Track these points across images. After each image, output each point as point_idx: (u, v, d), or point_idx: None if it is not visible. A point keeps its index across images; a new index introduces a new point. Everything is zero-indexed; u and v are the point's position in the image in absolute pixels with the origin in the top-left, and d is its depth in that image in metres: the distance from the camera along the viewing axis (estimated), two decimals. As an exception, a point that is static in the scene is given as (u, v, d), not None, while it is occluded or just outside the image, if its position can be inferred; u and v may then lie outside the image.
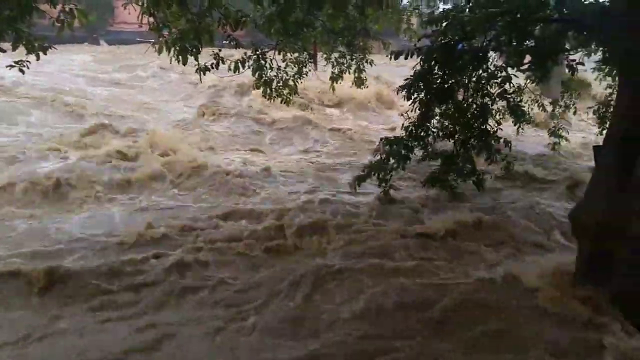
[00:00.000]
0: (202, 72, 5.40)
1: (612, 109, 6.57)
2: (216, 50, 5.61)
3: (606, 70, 7.72)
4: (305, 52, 7.74)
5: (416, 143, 6.64)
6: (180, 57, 4.95)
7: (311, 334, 4.07)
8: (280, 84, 7.50)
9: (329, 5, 6.39)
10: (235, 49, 5.46)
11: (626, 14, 4.40)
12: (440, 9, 7.76)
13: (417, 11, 8.74)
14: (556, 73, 7.16)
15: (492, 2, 5.72)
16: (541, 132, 10.63)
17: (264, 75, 7.03)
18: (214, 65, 5.47)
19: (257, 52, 6.68)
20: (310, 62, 8.10)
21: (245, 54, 6.44)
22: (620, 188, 4.38)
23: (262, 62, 6.75)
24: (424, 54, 6.05)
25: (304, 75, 7.87)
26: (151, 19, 4.84)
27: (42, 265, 4.94)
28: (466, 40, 6.06)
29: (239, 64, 6.16)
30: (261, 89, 7.26)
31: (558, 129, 8.84)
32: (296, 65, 7.72)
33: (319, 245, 5.80)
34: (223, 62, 5.55)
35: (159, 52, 4.96)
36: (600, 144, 5.18)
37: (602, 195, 4.57)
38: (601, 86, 8.66)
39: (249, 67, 6.50)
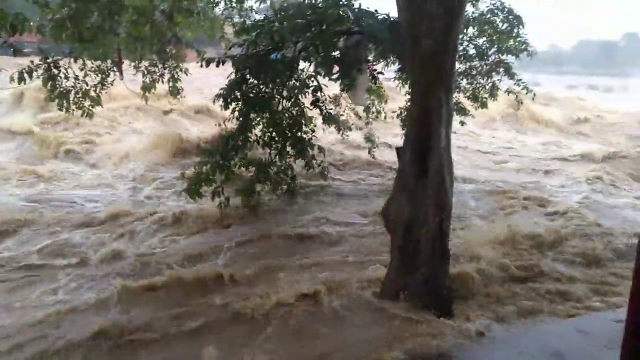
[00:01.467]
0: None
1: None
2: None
3: (403, 77, 8.59)
4: (109, 60, 7.06)
5: (234, 153, 6.51)
6: None
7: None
8: (80, 95, 6.70)
9: (133, 11, 5.92)
10: (14, 56, 4.67)
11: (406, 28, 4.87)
12: (253, 19, 7.82)
13: (229, 20, 8.64)
14: (362, 81, 7.74)
15: (299, 15, 5.91)
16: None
17: (58, 86, 6.19)
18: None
19: (48, 61, 5.86)
20: (114, 71, 7.42)
21: (32, 62, 5.60)
22: (418, 185, 4.82)
23: (55, 71, 5.94)
24: (236, 62, 5.99)
25: (108, 85, 7.16)
26: None
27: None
28: (277, 50, 6.17)
29: (25, 74, 5.31)
30: (56, 101, 6.39)
31: (371, 134, 9.59)
32: (98, 75, 6.99)
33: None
34: (-4, 72, 4.72)
35: None
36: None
37: (405, 192, 4.97)
38: (402, 92, 9.57)
39: (37, 77, 5.67)
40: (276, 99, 6.63)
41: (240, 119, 6.47)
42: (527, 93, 8.37)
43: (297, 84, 6.58)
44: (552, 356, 3.34)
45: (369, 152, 9.83)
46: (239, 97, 6.23)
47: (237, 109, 6.33)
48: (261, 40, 6.00)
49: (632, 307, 1.77)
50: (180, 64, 8.46)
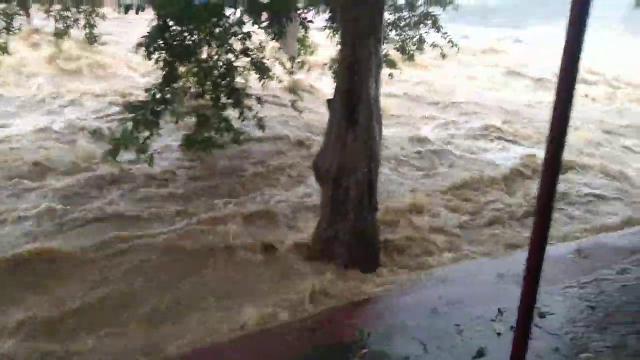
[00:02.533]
0: None
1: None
2: None
3: (334, 27, 8.45)
4: (15, 3, 6.39)
5: (163, 106, 6.22)
6: None
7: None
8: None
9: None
10: None
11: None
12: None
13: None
14: (292, 30, 7.55)
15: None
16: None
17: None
18: None
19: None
20: (21, 14, 6.73)
21: None
22: (348, 136, 4.88)
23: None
24: (157, 8, 5.64)
25: (16, 31, 6.50)
26: None
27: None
28: (202, -5, 5.85)
29: None
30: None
31: (296, 85, 9.37)
32: (3, 19, 6.31)
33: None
34: None
35: None
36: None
37: (336, 142, 5.02)
38: (333, 42, 9.43)
39: None
40: (203, 48, 6.35)
41: (166, 69, 6.16)
42: (452, 47, 8.50)
43: (224, 31, 6.30)
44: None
45: (292, 106, 9.59)
46: (162, 45, 5.90)
47: (161, 59, 6.00)
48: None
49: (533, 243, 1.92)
50: (97, 9, 7.83)
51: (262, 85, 8.20)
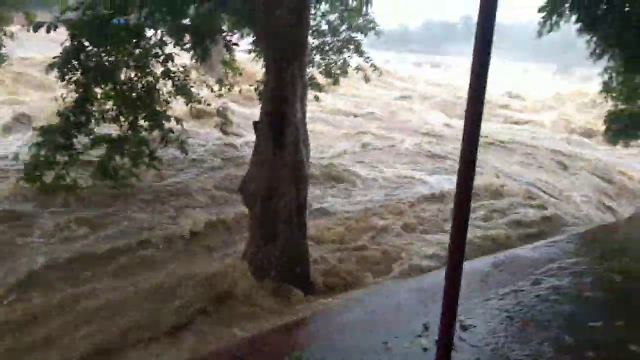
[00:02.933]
0: None
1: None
2: None
3: (259, 50, 8.46)
4: None
5: (77, 130, 5.90)
6: None
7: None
8: None
9: None
10: None
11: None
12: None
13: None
14: (217, 52, 7.46)
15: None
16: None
17: None
18: None
19: None
20: None
21: None
22: (275, 159, 4.87)
23: None
24: (72, 27, 5.38)
25: None
26: None
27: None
28: (119, 15, 5.66)
29: None
30: None
31: (224, 108, 9.21)
32: None
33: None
34: None
35: None
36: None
37: (263, 164, 4.99)
38: (259, 64, 9.42)
39: None
40: (121, 69, 6.12)
41: (81, 90, 5.86)
42: (374, 70, 8.80)
43: (145, 52, 6.12)
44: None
45: (221, 129, 9.40)
46: (77, 66, 5.62)
47: (75, 80, 5.71)
48: (100, 3, 5.45)
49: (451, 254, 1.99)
50: (4, 28, 7.34)
51: (189, 108, 8.04)
